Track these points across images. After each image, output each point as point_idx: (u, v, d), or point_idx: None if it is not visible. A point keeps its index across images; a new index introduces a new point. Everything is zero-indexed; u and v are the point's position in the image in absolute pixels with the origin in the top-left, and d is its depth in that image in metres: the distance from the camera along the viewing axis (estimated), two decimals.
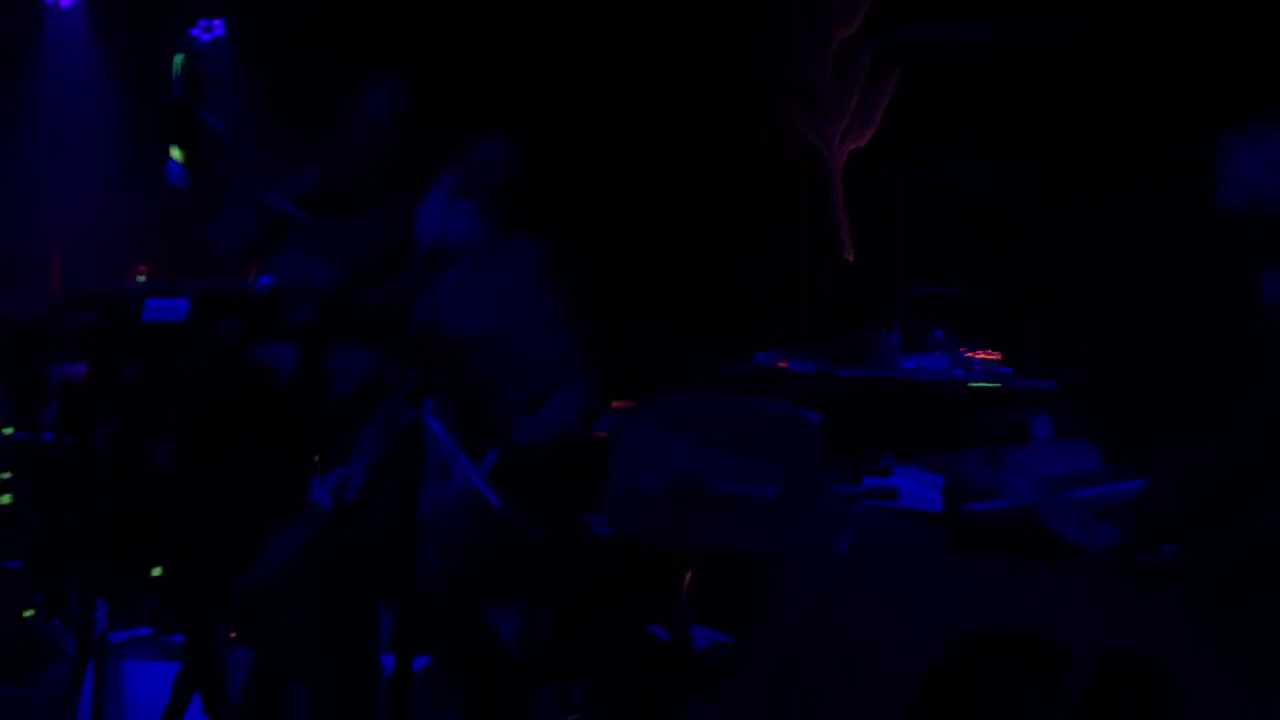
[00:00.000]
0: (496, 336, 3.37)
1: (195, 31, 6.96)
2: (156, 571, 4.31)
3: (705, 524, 3.39)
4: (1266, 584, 2.35)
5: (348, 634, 3.29)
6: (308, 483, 3.39)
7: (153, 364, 3.01)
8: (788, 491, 3.21)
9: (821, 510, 3.07)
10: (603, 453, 3.58)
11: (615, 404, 3.69)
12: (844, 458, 3.22)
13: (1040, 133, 7.14)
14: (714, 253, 7.29)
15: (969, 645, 2.42)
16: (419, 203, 3.51)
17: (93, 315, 2.56)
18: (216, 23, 7.15)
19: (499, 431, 3.30)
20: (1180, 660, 2.26)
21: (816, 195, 8.12)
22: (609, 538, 3.66)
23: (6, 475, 4.51)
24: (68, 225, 6.46)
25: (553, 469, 3.36)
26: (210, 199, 3.64)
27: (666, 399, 3.68)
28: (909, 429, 3.47)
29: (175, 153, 3.55)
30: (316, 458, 3.38)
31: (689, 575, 3.85)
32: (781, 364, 4.17)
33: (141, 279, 4.13)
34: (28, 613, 4.27)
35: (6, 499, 4.49)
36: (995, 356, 4.43)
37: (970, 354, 4.43)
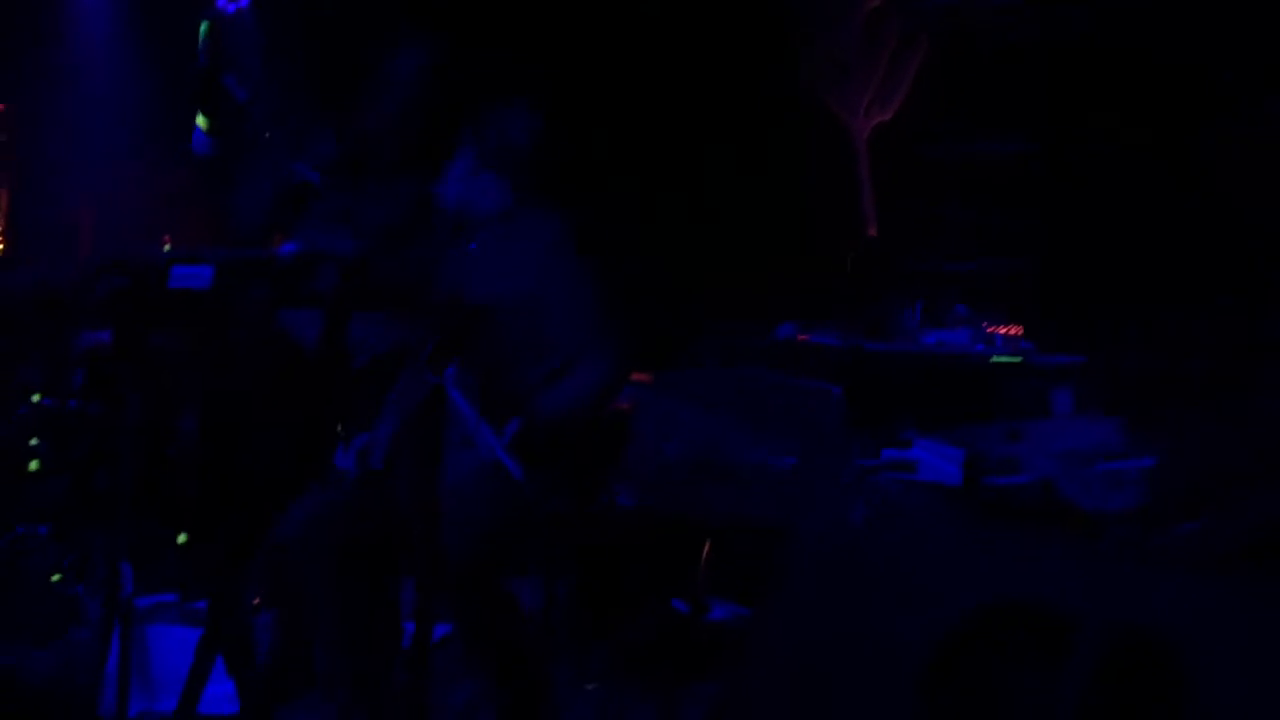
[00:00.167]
0: (519, 307, 3.38)
1: (220, 1, 6.96)
2: (181, 538, 4.35)
3: (725, 496, 3.40)
4: None
5: (369, 601, 3.32)
6: (331, 450, 3.42)
7: (178, 331, 3.03)
8: (808, 464, 3.21)
9: (841, 483, 3.08)
10: (624, 425, 3.59)
11: (636, 376, 3.70)
12: (864, 431, 3.22)
13: (1068, 105, 7.08)
14: (736, 225, 7.27)
15: (983, 618, 2.43)
16: (441, 172, 3.51)
17: (119, 281, 2.58)
18: None
19: (520, 402, 3.31)
20: (1196, 636, 2.26)
21: (841, 167, 8.07)
22: (630, 509, 3.68)
23: (34, 442, 4.55)
24: (94, 194, 6.49)
25: (574, 440, 3.37)
26: (234, 167, 3.66)
27: (688, 371, 3.68)
28: (930, 402, 3.47)
29: (200, 121, 3.57)
30: (340, 425, 3.40)
31: (708, 547, 3.86)
32: (803, 337, 4.18)
33: (166, 248, 4.16)
34: (55, 577, 4.32)
35: (34, 465, 4.54)
36: (1017, 331, 4.42)
37: (993, 329, 4.42)
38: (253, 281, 2.57)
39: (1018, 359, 4.01)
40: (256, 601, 3.65)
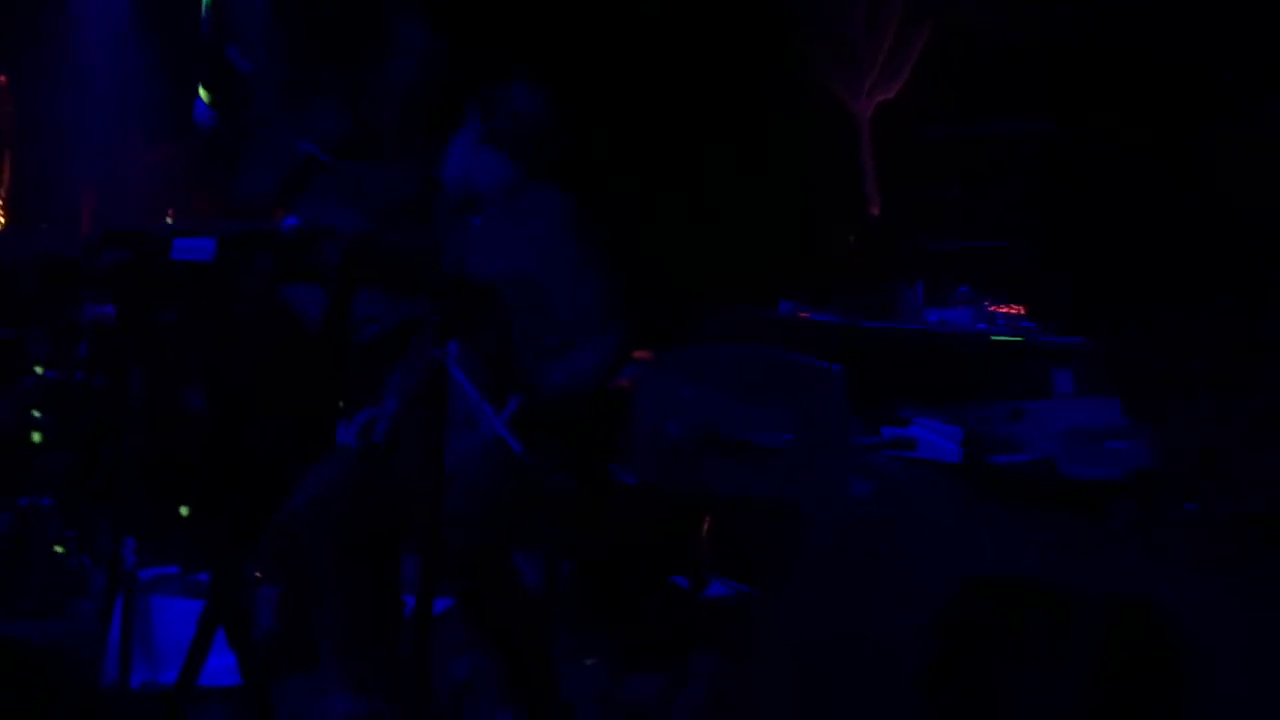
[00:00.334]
0: (522, 284, 3.38)
1: None
2: (184, 511, 4.37)
3: (726, 473, 3.41)
4: None
5: (371, 576, 3.33)
6: (334, 425, 3.42)
7: (181, 304, 3.04)
8: (808, 441, 3.22)
9: (842, 460, 3.09)
10: (626, 402, 3.60)
11: (638, 353, 3.70)
12: (865, 409, 3.22)
13: (1068, 85, 7.07)
14: (739, 203, 7.27)
15: (983, 594, 2.44)
16: (446, 148, 3.51)
17: (122, 253, 2.58)
18: None
19: (523, 379, 3.31)
20: (1196, 612, 2.27)
21: (843, 147, 8.06)
22: (631, 486, 3.69)
23: (37, 414, 4.56)
24: (97, 166, 6.49)
25: (576, 417, 3.37)
26: (238, 141, 3.66)
27: (690, 348, 3.69)
28: (931, 381, 3.47)
29: (203, 94, 3.56)
30: (342, 400, 3.41)
31: (708, 524, 3.87)
32: (804, 315, 4.18)
33: (169, 220, 4.15)
34: (58, 548, 4.34)
35: (37, 437, 4.55)
36: (1019, 311, 4.43)
37: (995, 308, 4.42)
38: (256, 255, 2.57)
39: (1019, 339, 4.01)
40: (258, 575, 3.67)
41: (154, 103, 6.28)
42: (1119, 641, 2.33)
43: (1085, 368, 3.86)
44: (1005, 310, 4.41)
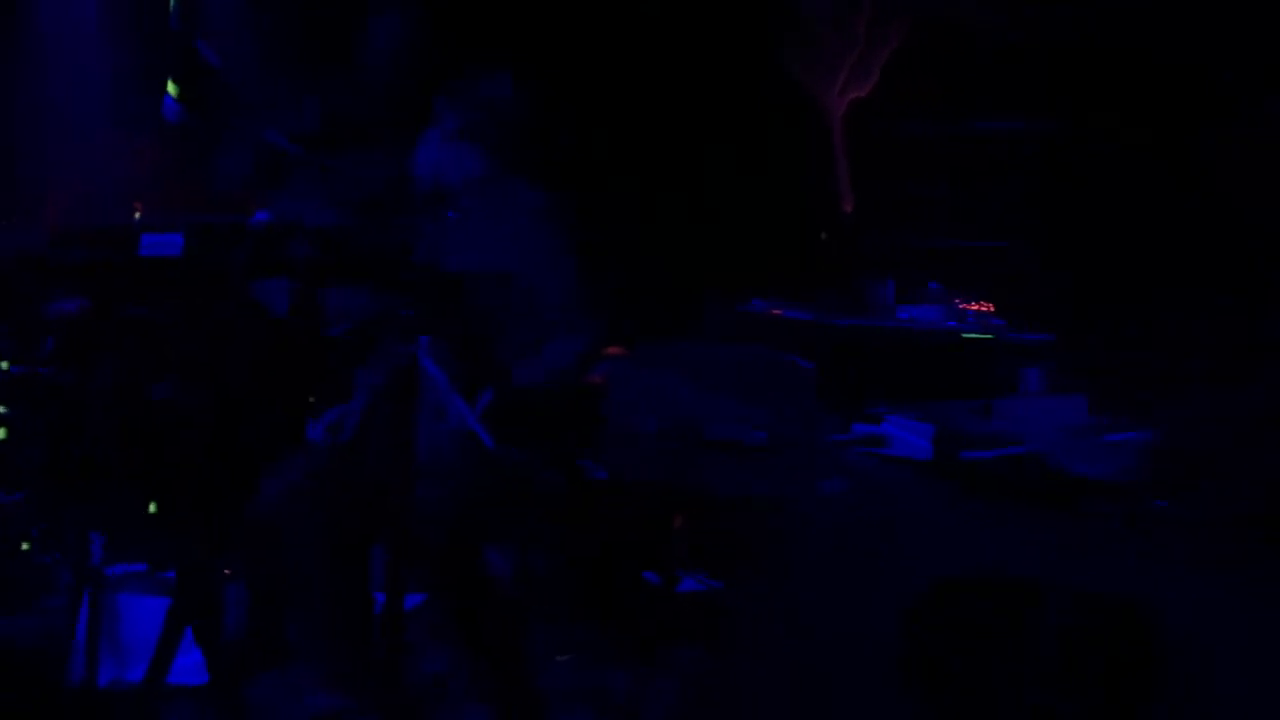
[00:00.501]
0: (496, 277, 3.37)
1: None
2: (152, 507, 4.33)
3: (698, 469, 3.41)
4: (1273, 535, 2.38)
5: (342, 573, 3.31)
6: (304, 421, 3.40)
7: (149, 299, 3.02)
8: (780, 438, 3.22)
9: (813, 457, 3.09)
10: (598, 397, 3.59)
11: (611, 349, 3.70)
12: (837, 405, 3.23)
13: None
14: (712, 199, 7.27)
15: (954, 588, 2.45)
16: (419, 141, 3.49)
17: (89, 250, 2.56)
18: None
19: (495, 373, 3.31)
20: (1169, 604, 2.29)
21: (815, 144, 8.07)
22: (603, 481, 3.69)
23: (3, 409, 4.52)
24: (64, 160, 6.43)
25: (548, 412, 3.37)
26: (207, 136, 3.63)
27: (662, 344, 3.69)
28: (902, 378, 3.49)
29: (172, 89, 3.53)
30: (312, 396, 3.39)
31: (680, 520, 3.88)
32: (776, 311, 4.19)
33: (137, 215, 4.12)
34: (25, 545, 4.30)
35: (3, 433, 4.50)
36: (989, 309, 4.45)
37: (965, 306, 4.44)
38: (224, 249, 2.56)
39: (989, 336, 4.04)
40: (227, 572, 3.64)
41: (122, 96, 6.23)
42: (1090, 632, 2.34)
43: (1055, 364, 3.88)
44: (974, 308, 4.43)
